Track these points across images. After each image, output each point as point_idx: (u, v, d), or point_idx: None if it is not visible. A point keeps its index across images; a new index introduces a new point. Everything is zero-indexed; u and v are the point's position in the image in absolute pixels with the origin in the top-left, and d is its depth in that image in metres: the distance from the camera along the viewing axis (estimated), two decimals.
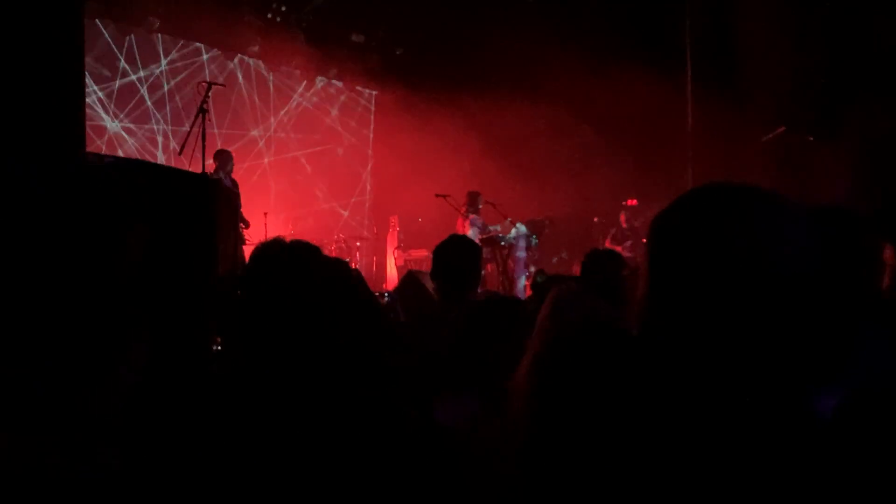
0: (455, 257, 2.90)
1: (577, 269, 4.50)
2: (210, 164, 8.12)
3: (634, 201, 11.46)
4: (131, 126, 10.62)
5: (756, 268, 0.85)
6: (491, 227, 9.95)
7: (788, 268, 0.85)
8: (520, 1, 11.34)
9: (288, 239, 1.65)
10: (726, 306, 0.86)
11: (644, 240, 10.53)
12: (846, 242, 1.45)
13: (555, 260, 10.96)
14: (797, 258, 0.86)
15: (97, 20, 10.02)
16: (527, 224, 10.32)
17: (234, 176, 8.65)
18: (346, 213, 13.26)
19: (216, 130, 11.13)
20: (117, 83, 10.45)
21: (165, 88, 10.96)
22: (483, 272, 9.68)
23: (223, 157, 8.52)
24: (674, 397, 0.91)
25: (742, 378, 0.86)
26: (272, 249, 1.62)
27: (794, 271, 0.85)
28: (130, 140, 10.57)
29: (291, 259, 1.55)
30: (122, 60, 10.51)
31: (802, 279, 0.85)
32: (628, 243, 10.61)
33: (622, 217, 11.05)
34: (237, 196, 8.31)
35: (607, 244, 10.90)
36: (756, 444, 0.84)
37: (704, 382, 0.88)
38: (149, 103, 10.79)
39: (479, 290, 3.69)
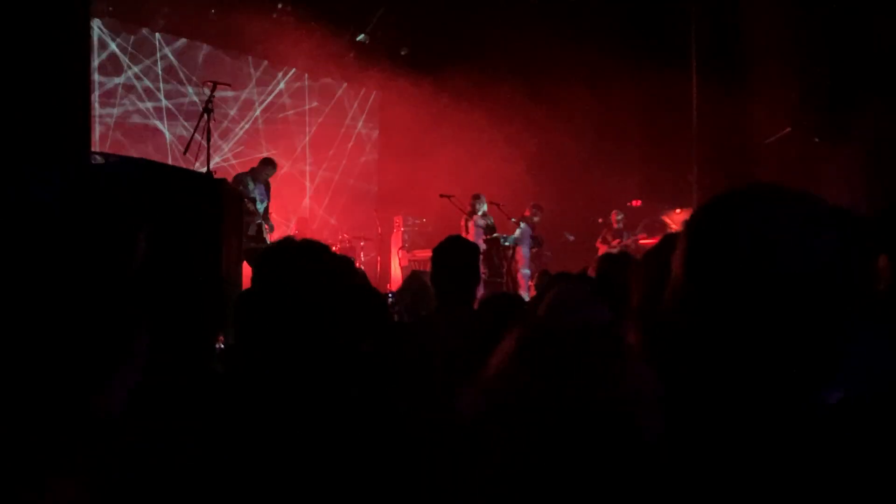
0: (454, 258, 2.90)
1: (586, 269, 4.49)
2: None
3: (639, 202, 11.45)
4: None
5: (791, 270, 0.86)
6: (503, 238, 9.93)
7: (822, 271, 0.87)
8: (524, 1, 11.34)
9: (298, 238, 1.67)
10: (761, 309, 0.87)
11: (629, 241, 10.54)
12: (853, 243, 1.46)
13: (548, 254, 10.90)
14: (830, 261, 0.88)
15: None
16: (520, 222, 10.30)
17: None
18: (350, 212, 13.29)
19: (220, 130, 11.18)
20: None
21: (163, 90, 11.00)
22: (486, 273, 9.68)
23: (265, 163, 8.75)
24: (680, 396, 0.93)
25: (762, 379, 0.87)
26: (282, 248, 1.63)
27: (825, 274, 0.87)
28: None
29: (300, 258, 1.56)
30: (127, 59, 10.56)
31: (830, 281, 0.87)
32: (616, 242, 10.61)
33: (613, 216, 11.06)
34: (255, 200, 8.39)
35: (598, 244, 10.90)
36: (769, 443, 0.85)
37: (722, 382, 0.89)
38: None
39: (483, 292, 3.70)
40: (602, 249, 10.39)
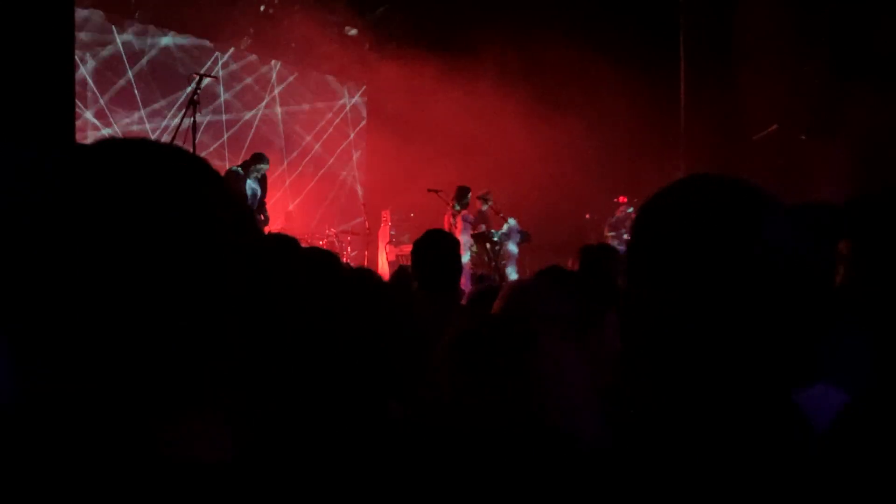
0: (433, 252, 2.88)
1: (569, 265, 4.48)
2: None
3: (624, 198, 11.46)
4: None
5: (742, 263, 0.84)
6: (492, 233, 9.91)
7: (776, 264, 0.84)
8: None
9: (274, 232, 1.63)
10: (709, 302, 0.84)
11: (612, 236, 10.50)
12: (826, 238, 1.44)
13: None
14: (785, 255, 0.85)
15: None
16: (508, 217, 10.27)
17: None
18: (338, 207, 13.24)
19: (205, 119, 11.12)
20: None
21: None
22: (475, 269, 9.67)
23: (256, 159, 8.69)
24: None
25: (741, 376, 0.85)
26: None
27: (781, 268, 0.84)
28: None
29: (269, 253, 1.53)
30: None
31: (788, 276, 0.84)
32: (626, 234, 10.63)
33: (620, 208, 11.08)
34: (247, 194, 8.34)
35: (606, 233, 10.89)
36: (740, 446, 0.83)
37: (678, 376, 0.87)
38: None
39: (472, 288, 3.67)
40: (609, 238, 10.40)
